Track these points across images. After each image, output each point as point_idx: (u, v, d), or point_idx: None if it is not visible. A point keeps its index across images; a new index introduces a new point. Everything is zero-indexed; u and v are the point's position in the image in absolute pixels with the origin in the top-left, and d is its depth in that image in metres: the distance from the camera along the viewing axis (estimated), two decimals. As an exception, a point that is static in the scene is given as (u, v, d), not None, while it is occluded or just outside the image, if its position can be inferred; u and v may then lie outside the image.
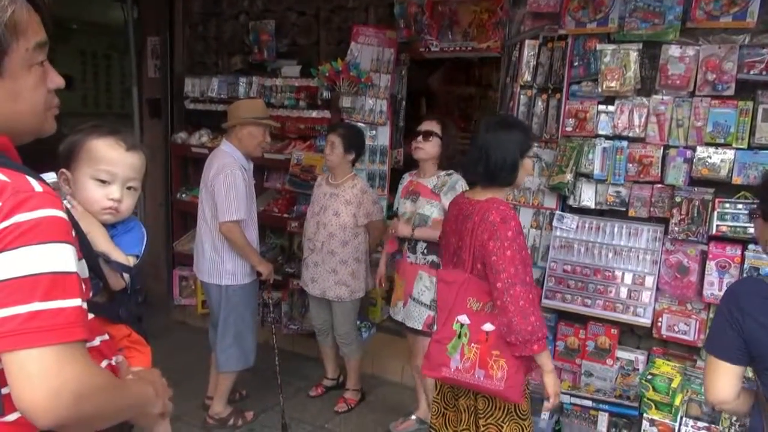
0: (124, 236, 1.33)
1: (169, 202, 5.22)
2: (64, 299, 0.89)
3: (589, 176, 3.12)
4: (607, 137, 3.09)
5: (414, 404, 3.51)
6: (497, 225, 2.05)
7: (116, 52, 6.01)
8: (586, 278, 3.12)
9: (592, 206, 3.15)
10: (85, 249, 1.15)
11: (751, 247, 2.77)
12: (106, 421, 1.00)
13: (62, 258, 0.90)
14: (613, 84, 3.02)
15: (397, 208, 3.34)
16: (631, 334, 3.14)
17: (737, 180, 2.77)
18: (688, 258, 2.90)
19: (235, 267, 3.29)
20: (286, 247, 4.74)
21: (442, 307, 2.25)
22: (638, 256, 3.02)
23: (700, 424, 2.84)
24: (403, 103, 4.51)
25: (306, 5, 4.58)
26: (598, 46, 3.07)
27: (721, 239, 2.83)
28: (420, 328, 3.12)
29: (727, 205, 2.80)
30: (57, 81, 1.05)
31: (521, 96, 3.37)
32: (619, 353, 3.10)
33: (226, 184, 3.15)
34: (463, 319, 2.16)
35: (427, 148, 3.12)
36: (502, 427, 2.19)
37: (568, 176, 3.12)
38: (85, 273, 1.07)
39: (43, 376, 0.86)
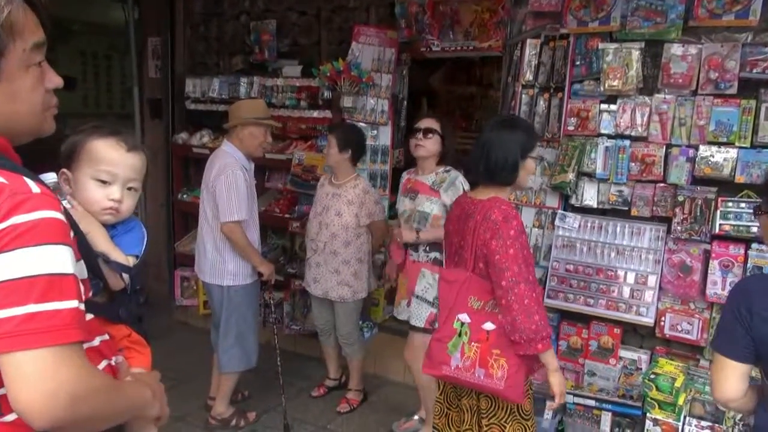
0: (124, 236, 1.33)
1: (170, 202, 5.21)
2: (60, 301, 0.89)
3: (591, 175, 3.11)
4: (609, 136, 3.08)
5: (417, 404, 3.51)
6: (499, 224, 2.05)
7: (117, 53, 6.01)
8: (588, 278, 3.11)
9: (595, 205, 3.14)
10: (85, 249, 1.15)
11: (754, 246, 2.76)
12: (103, 423, 1.00)
13: (59, 259, 0.90)
14: (615, 83, 3.01)
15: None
16: (634, 334, 3.13)
17: (740, 179, 2.76)
18: (691, 257, 2.89)
19: (236, 267, 3.29)
20: (287, 247, 4.74)
21: (443, 305, 2.25)
22: (641, 256, 3.01)
23: (703, 423, 2.84)
24: (405, 102, 4.50)
25: (307, 5, 4.58)
26: (600, 45, 3.06)
27: (724, 238, 2.82)
28: (422, 325, 3.12)
29: (730, 204, 2.79)
30: (55, 81, 1.05)
31: (523, 95, 3.36)
32: (622, 353, 3.09)
33: (228, 185, 3.15)
34: (464, 317, 2.16)
35: (428, 146, 3.11)
36: (505, 427, 2.19)
37: (571, 175, 3.11)
38: (83, 274, 1.07)
39: (39, 377, 0.86)
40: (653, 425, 2.86)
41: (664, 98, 2.95)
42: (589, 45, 3.13)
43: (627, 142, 3.03)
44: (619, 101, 3.06)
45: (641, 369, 3.04)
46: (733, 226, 2.78)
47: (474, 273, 2.15)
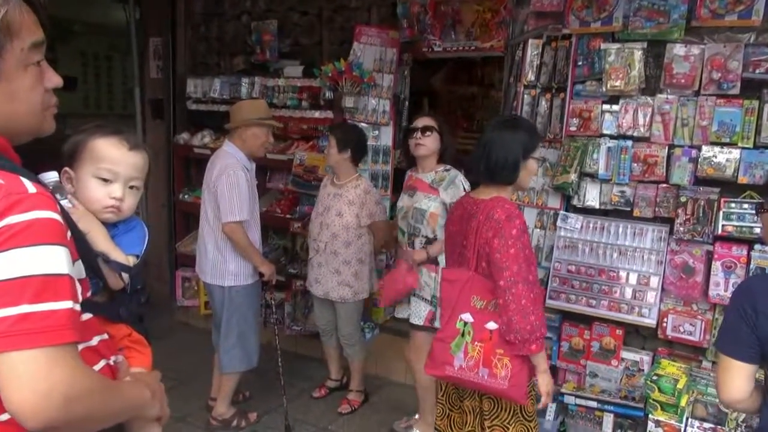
0: (125, 236, 1.32)
1: (172, 203, 5.21)
2: (54, 301, 0.88)
3: (593, 176, 3.10)
4: (611, 137, 3.08)
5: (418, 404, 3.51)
6: (502, 223, 2.05)
7: (118, 53, 6.01)
8: (590, 278, 3.10)
9: (597, 206, 3.13)
10: (84, 248, 1.14)
11: (757, 247, 2.75)
12: (98, 424, 0.99)
13: (54, 260, 0.90)
14: (617, 83, 3.00)
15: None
16: (636, 335, 3.12)
17: (743, 179, 2.76)
18: (694, 258, 2.88)
19: (238, 268, 3.28)
20: (288, 247, 4.73)
21: (445, 305, 2.24)
22: (643, 257, 3.01)
23: (706, 425, 2.83)
24: (406, 103, 4.50)
25: (308, 5, 4.58)
26: (603, 45, 3.06)
27: (727, 239, 2.81)
28: (422, 323, 3.13)
29: (733, 204, 2.78)
30: (55, 80, 1.04)
31: (525, 96, 3.36)
32: (624, 354, 3.08)
33: (229, 185, 3.15)
34: (467, 317, 2.16)
35: (428, 144, 3.10)
36: (508, 428, 2.18)
37: (573, 176, 3.10)
38: (81, 274, 1.06)
39: (32, 378, 0.85)
40: (655, 427, 2.85)
41: (667, 98, 2.94)
42: (591, 45, 3.13)
43: (629, 143, 3.02)
44: (621, 102, 3.05)
45: (643, 370, 3.03)
46: (736, 227, 2.77)
47: (477, 272, 2.14)
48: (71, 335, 0.90)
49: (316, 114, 4.34)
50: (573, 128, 3.17)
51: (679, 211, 2.89)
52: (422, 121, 3.14)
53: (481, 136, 2.28)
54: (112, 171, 1.28)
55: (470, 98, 7.00)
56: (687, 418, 2.84)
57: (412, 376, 3.32)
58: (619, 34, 3.06)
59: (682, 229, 2.89)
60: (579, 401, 3.05)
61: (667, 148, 2.95)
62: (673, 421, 2.82)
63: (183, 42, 5.18)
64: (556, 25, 3.26)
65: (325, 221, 3.47)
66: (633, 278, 3.02)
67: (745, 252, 2.77)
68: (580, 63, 3.17)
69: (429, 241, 3.08)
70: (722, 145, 2.82)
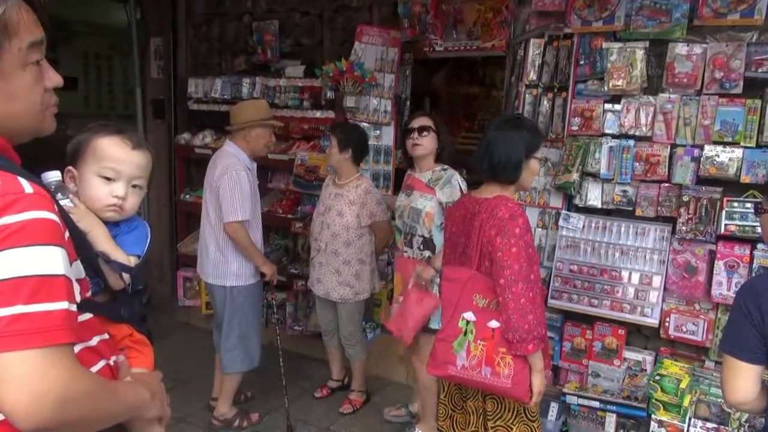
0: (127, 236, 1.32)
1: (173, 203, 5.21)
2: (49, 302, 0.88)
3: (595, 175, 3.10)
4: (613, 136, 3.07)
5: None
6: (505, 221, 2.05)
7: (119, 54, 6.01)
8: (592, 278, 3.09)
9: (599, 206, 3.13)
10: (85, 248, 1.14)
11: (760, 246, 2.75)
12: (95, 425, 0.99)
13: (49, 260, 0.89)
14: (619, 82, 3.00)
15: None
16: (639, 335, 3.11)
17: (745, 179, 2.75)
18: (696, 258, 2.88)
19: (239, 268, 3.28)
20: (290, 247, 4.72)
21: (447, 305, 2.24)
22: (645, 256, 3.00)
23: (709, 425, 2.82)
24: (408, 103, 4.49)
25: (310, 5, 4.57)
26: (604, 45, 3.05)
27: (730, 238, 2.80)
28: None
29: (736, 204, 2.77)
30: (55, 79, 1.04)
31: (526, 95, 3.35)
32: (627, 354, 3.08)
33: (231, 185, 3.15)
34: (469, 316, 2.15)
35: (425, 143, 3.11)
36: (512, 428, 2.18)
37: (575, 175, 3.10)
38: (80, 274, 1.05)
39: (26, 379, 0.85)
40: (658, 427, 2.84)
41: (669, 98, 2.94)
42: (593, 44, 3.12)
43: (631, 142, 3.01)
44: (623, 101, 3.05)
45: (646, 370, 3.02)
46: (739, 226, 2.76)
47: (479, 271, 2.14)
48: (66, 336, 0.89)
49: (318, 114, 4.33)
50: (575, 128, 3.16)
51: (682, 210, 2.88)
52: (419, 121, 3.15)
53: (484, 135, 2.28)
54: (114, 170, 1.28)
55: (472, 98, 7.00)
56: (690, 418, 2.83)
57: (414, 374, 3.32)
58: (621, 33, 3.05)
59: (684, 228, 2.88)
60: (581, 401, 3.04)
61: (669, 147, 2.94)
62: (676, 421, 2.81)
63: (184, 42, 5.18)
64: (557, 24, 3.25)
65: (326, 221, 3.47)
66: (635, 278, 3.01)
67: (747, 251, 2.76)
68: (581, 62, 3.16)
69: (425, 241, 3.08)
70: (725, 144, 2.81)
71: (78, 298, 1.01)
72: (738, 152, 2.77)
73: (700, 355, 2.94)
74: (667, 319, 2.95)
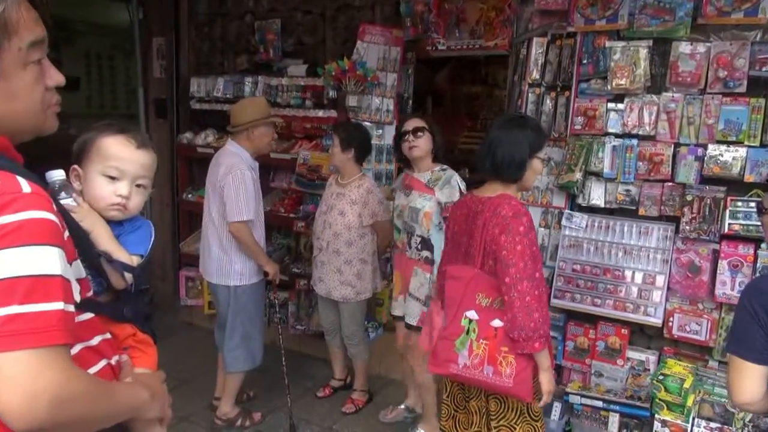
0: (130, 235, 1.32)
1: (176, 202, 5.21)
2: (44, 302, 0.87)
3: (598, 175, 3.09)
4: (616, 135, 3.06)
5: (417, 402, 3.51)
6: (509, 219, 2.04)
7: (121, 53, 6.01)
8: (595, 278, 3.09)
9: (602, 205, 3.12)
10: (87, 248, 1.14)
11: (764, 245, 2.74)
12: (91, 426, 0.98)
13: (45, 260, 0.88)
14: (622, 81, 2.99)
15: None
16: (642, 334, 3.10)
17: (749, 178, 2.74)
18: (700, 257, 2.87)
19: (243, 267, 3.29)
20: (292, 247, 4.72)
21: (450, 303, 2.23)
22: (649, 255, 2.99)
23: (712, 425, 2.81)
24: (410, 102, 4.49)
25: (312, 4, 4.57)
26: (608, 44, 3.04)
27: (734, 238, 2.79)
28: (415, 323, 3.14)
29: (740, 203, 2.76)
30: (57, 78, 1.03)
31: (529, 94, 3.35)
32: (630, 353, 3.07)
33: (236, 184, 3.15)
34: (472, 314, 2.15)
35: (422, 144, 3.13)
36: (515, 428, 2.17)
37: (578, 175, 3.09)
38: (81, 273, 1.05)
39: (20, 379, 0.84)
40: (662, 426, 2.83)
41: (673, 97, 2.93)
42: (596, 43, 3.11)
43: (635, 141, 3.00)
44: (626, 100, 3.04)
45: (649, 370, 3.02)
46: (743, 225, 2.75)
47: (482, 270, 2.14)
48: (61, 337, 0.89)
49: (320, 113, 4.33)
50: (578, 127, 3.15)
51: (685, 209, 2.87)
52: (412, 123, 3.16)
53: (487, 133, 2.28)
54: (118, 169, 1.29)
55: (474, 97, 7.00)
56: (693, 418, 2.82)
57: (410, 373, 3.33)
58: (624, 32, 3.04)
59: (688, 227, 2.87)
60: (584, 401, 3.03)
61: (672, 146, 2.93)
62: (679, 421, 2.80)
63: (186, 41, 5.18)
64: (560, 23, 3.24)
65: (328, 220, 3.47)
66: (638, 277, 3.00)
67: (751, 251, 2.75)
68: (585, 61, 3.15)
69: (424, 241, 3.10)
70: (728, 143, 2.80)
71: (78, 298, 1.00)
72: (742, 151, 2.76)
73: (704, 355, 2.93)
74: (671, 319, 2.94)
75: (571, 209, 3.21)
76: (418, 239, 3.12)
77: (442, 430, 2.42)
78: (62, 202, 1.18)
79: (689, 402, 2.77)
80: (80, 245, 1.09)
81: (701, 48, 2.84)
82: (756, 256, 2.74)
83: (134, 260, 1.28)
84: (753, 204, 2.72)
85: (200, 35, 5.19)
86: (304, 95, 4.38)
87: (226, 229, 3.23)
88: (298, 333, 4.42)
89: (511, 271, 2.02)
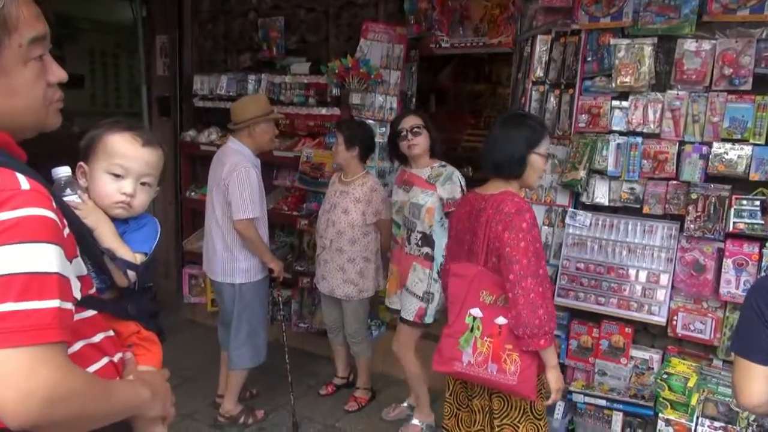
0: (135, 233, 1.32)
1: (179, 200, 5.22)
2: (39, 300, 0.87)
3: (602, 173, 3.08)
4: (621, 133, 3.05)
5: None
6: (512, 216, 2.04)
7: (125, 51, 6.02)
8: (599, 276, 3.08)
9: (606, 203, 3.10)
10: (89, 245, 1.13)
11: (768, 244, 2.72)
12: (89, 424, 0.98)
13: (41, 258, 0.88)
14: (627, 79, 2.97)
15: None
16: (646, 333, 3.09)
17: (755, 176, 2.72)
18: (704, 256, 2.85)
19: (248, 264, 3.29)
20: (295, 245, 4.73)
21: (453, 301, 2.23)
22: (653, 254, 2.98)
23: (716, 424, 2.80)
24: (414, 99, 4.48)
25: (315, 2, 4.56)
26: (612, 41, 3.02)
27: (738, 236, 2.78)
28: (411, 319, 3.16)
29: (745, 201, 2.75)
30: (59, 74, 1.03)
31: (533, 92, 3.33)
32: (634, 352, 3.06)
33: (241, 182, 3.14)
34: (476, 312, 2.14)
35: (420, 142, 3.15)
36: (518, 427, 2.17)
37: (582, 173, 3.08)
38: (81, 271, 1.05)
39: (13, 377, 0.84)
40: (665, 425, 2.83)
41: (677, 94, 2.91)
42: (600, 41, 3.10)
43: (639, 139, 2.99)
44: (631, 98, 3.02)
45: (653, 369, 3.01)
46: (748, 224, 2.73)
47: (486, 267, 2.13)
48: (57, 334, 0.88)
49: (323, 111, 4.33)
50: (582, 125, 3.14)
51: (690, 208, 2.86)
52: (409, 121, 3.17)
53: (489, 132, 2.28)
54: (123, 166, 1.28)
55: (477, 95, 6.98)
56: (697, 417, 2.81)
57: (403, 367, 3.36)
58: (629, 29, 3.02)
59: (692, 226, 2.86)
60: (588, 399, 3.03)
61: (677, 144, 2.92)
62: (683, 420, 2.80)
63: (190, 39, 5.18)
64: (565, 20, 3.23)
65: (332, 218, 3.47)
66: (642, 276, 2.99)
67: (756, 249, 2.74)
68: (589, 59, 3.14)
69: (425, 237, 3.12)
70: (733, 141, 2.78)
71: (79, 295, 1.00)
72: (747, 149, 2.74)
73: (708, 354, 2.92)
74: (675, 318, 2.93)
75: (575, 207, 3.20)
76: (419, 235, 3.12)
77: (444, 428, 2.42)
78: (67, 198, 1.18)
79: (693, 401, 2.77)
80: (83, 242, 1.08)
81: (706, 45, 2.83)
82: (761, 255, 2.73)
83: (138, 258, 1.28)
84: (758, 202, 2.71)
85: (203, 33, 5.19)
86: (307, 93, 4.38)
87: (230, 227, 3.23)
88: (301, 331, 4.42)
89: (515, 268, 2.02)
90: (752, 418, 2.73)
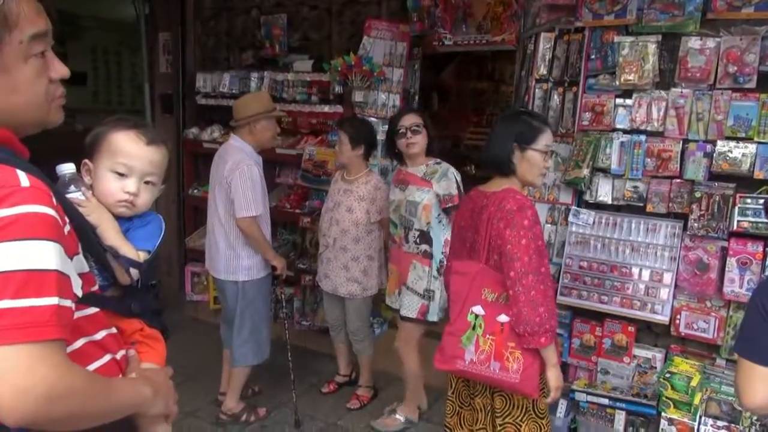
0: (139, 230, 1.31)
1: (181, 198, 5.22)
2: (37, 297, 0.86)
3: (606, 171, 3.07)
4: (624, 131, 3.03)
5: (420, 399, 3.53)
6: (514, 213, 2.03)
7: (128, 48, 6.03)
8: (602, 275, 3.07)
9: (609, 201, 3.09)
10: (92, 242, 1.13)
11: (773, 243, 2.71)
12: (87, 421, 0.97)
13: (40, 255, 0.88)
14: (631, 77, 2.96)
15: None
16: (649, 332, 3.08)
17: (759, 174, 2.70)
18: (708, 254, 2.84)
19: (251, 262, 3.30)
20: (298, 242, 4.73)
21: (455, 299, 2.23)
22: (656, 253, 2.97)
23: (719, 423, 2.79)
24: (416, 97, 4.47)
25: (318, -1, 4.56)
26: (616, 39, 3.01)
27: (742, 235, 2.76)
28: (414, 316, 3.17)
29: (749, 200, 2.73)
30: (61, 71, 1.03)
31: (536, 90, 3.32)
32: (637, 351, 3.05)
33: (244, 180, 3.14)
34: (478, 309, 2.14)
35: (420, 141, 3.16)
36: (521, 426, 2.16)
37: (585, 171, 3.07)
38: (83, 268, 1.04)
39: (10, 374, 0.84)
40: (668, 425, 2.82)
41: (681, 92, 2.90)
42: (604, 38, 3.08)
43: (643, 137, 2.98)
44: (634, 95, 3.01)
45: (655, 367, 3.00)
46: (752, 222, 2.72)
47: (487, 264, 2.13)
48: (55, 332, 0.88)
49: (326, 108, 4.32)
50: (585, 123, 3.13)
51: (694, 206, 2.85)
52: (409, 120, 3.17)
53: (492, 129, 2.30)
54: (127, 165, 1.28)
55: (480, 93, 6.97)
56: (700, 416, 2.81)
57: (403, 363, 3.37)
58: (633, 27, 3.01)
59: (696, 224, 2.85)
60: (590, 398, 3.02)
61: (681, 142, 2.90)
62: (686, 419, 2.79)
63: (192, 37, 5.18)
64: (568, 18, 3.21)
65: (335, 217, 3.46)
66: (646, 274, 2.98)
67: (760, 248, 2.73)
68: (592, 56, 3.13)
69: (422, 234, 3.12)
70: (738, 139, 2.77)
71: (80, 293, 0.99)
72: (751, 147, 2.73)
73: (711, 353, 2.91)
74: (678, 317, 2.92)
75: (578, 206, 3.19)
76: (417, 233, 3.13)
77: (446, 427, 2.42)
78: (70, 195, 1.18)
79: (696, 400, 2.76)
80: (86, 239, 1.08)
81: (711, 43, 2.81)
82: (765, 254, 2.71)
83: (141, 256, 1.27)
84: (762, 201, 2.70)
85: (206, 30, 5.19)
86: (309, 91, 4.38)
87: (232, 224, 3.23)
88: (303, 329, 4.43)
89: (516, 266, 2.01)
90: (755, 417, 2.72)
